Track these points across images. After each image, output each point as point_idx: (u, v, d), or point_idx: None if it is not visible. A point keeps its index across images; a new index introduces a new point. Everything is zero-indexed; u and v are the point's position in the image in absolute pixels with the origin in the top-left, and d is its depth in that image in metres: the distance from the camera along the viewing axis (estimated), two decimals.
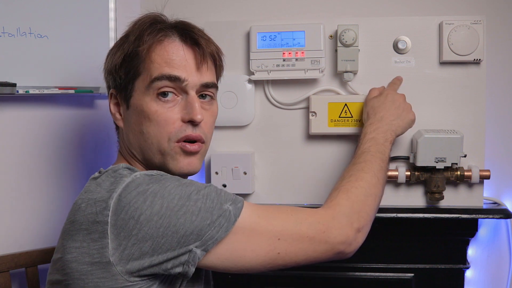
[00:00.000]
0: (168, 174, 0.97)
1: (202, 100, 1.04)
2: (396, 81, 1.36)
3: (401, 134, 1.25)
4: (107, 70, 1.05)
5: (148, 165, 1.04)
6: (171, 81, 0.99)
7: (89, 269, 0.89)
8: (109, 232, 0.88)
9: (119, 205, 0.89)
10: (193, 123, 1.00)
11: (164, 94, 0.99)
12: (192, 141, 1.01)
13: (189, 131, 1.00)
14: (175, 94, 1.00)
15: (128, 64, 1.01)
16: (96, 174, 0.99)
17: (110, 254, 0.88)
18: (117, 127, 1.10)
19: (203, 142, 1.03)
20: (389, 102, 1.25)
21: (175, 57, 1.00)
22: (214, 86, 1.06)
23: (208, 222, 0.89)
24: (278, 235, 0.93)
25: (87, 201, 0.93)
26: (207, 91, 1.05)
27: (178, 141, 1.00)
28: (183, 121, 1.00)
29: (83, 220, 0.91)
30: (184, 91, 1.01)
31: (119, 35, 1.07)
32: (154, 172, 0.96)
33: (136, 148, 1.03)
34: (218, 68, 1.10)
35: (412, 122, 1.27)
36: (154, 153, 1.01)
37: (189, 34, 1.03)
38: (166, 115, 0.99)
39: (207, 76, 1.04)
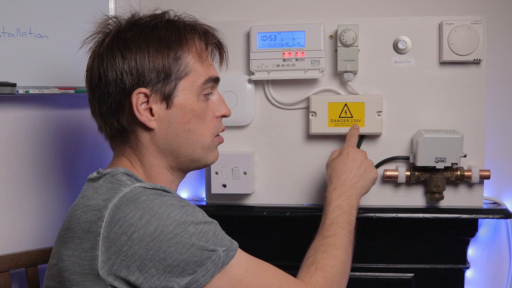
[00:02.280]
0: (172, 192, 0.95)
1: None
2: (354, 133, 1.35)
3: (366, 193, 1.25)
4: (137, 68, 0.98)
5: (179, 161, 1.04)
6: (216, 82, 1.07)
7: (79, 279, 0.88)
8: (100, 244, 0.87)
9: (114, 217, 0.87)
10: (225, 117, 1.09)
11: (210, 93, 1.06)
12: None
13: (222, 125, 1.09)
14: None
15: (173, 64, 1.00)
16: (94, 174, 0.98)
17: (99, 267, 0.86)
18: (128, 129, 1.02)
19: None
20: (351, 163, 1.24)
21: (210, 59, 1.06)
22: None
23: (196, 259, 0.87)
24: None
25: (82, 207, 0.92)
26: None
27: (216, 135, 1.08)
28: (217, 116, 1.07)
29: (77, 228, 0.90)
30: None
31: None
32: (158, 186, 0.94)
33: (171, 148, 1.02)
34: None
35: (375, 180, 1.27)
36: (195, 148, 1.04)
37: (214, 35, 1.08)
38: (210, 113, 1.05)
39: None
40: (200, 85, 1.02)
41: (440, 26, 1.38)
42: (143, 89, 0.98)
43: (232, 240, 0.94)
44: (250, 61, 1.40)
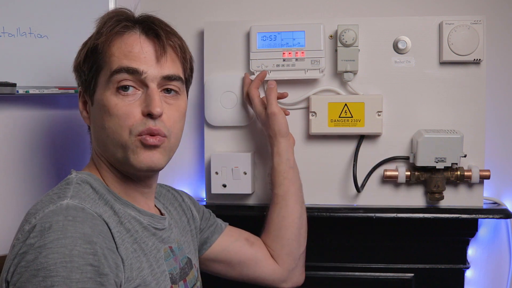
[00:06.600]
0: (94, 215, 0.88)
1: (166, 94, 1.00)
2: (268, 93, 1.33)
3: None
4: (74, 68, 1.04)
5: (112, 162, 1.01)
6: (129, 73, 0.96)
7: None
8: (13, 254, 0.84)
9: (27, 241, 0.83)
10: (152, 116, 0.96)
11: (125, 87, 0.96)
12: (153, 134, 0.97)
13: (150, 124, 0.96)
14: (136, 88, 0.97)
15: (90, 59, 0.99)
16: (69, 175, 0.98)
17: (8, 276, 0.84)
18: (89, 127, 1.07)
19: (163, 136, 0.98)
20: None
21: (133, 49, 0.97)
22: (178, 79, 1.01)
23: None
24: None
25: (28, 212, 0.90)
26: (170, 84, 1.00)
27: (139, 135, 0.96)
28: (143, 114, 0.96)
29: (15, 236, 0.89)
30: (144, 84, 0.97)
31: None
32: (81, 205, 0.88)
33: (101, 146, 1.01)
34: (184, 61, 1.05)
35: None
36: (115, 148, 0.97)
37: (150, 26, 1.00)
38: (126, 109, 0.96)
39: (168, 68, 0.99)
40: (107, 78, 0.97)
41: (440, 26, 1.38)
42: (80, 87, 1.04)
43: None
44: (250, 61, 1.40)
